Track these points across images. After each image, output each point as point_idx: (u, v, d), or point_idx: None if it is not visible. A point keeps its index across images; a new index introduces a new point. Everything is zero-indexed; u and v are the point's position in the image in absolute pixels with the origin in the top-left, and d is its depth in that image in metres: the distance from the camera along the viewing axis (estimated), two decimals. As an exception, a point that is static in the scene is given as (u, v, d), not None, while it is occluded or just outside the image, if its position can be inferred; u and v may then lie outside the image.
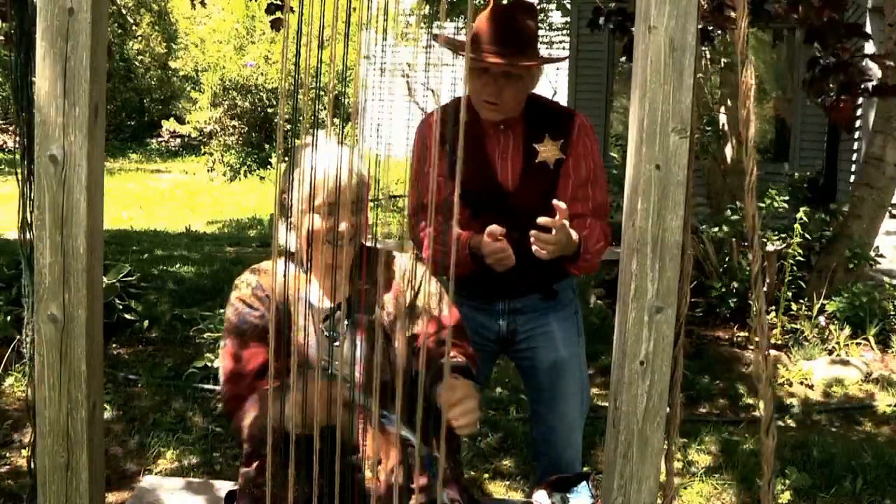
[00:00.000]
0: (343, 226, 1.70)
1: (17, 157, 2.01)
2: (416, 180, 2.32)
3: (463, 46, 2.14)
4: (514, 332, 2.35)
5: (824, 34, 3.19)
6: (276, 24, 4.39)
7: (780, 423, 4.09)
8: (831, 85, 3.36)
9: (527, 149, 2.23)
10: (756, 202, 1.35)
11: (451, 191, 1.46)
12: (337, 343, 1.73)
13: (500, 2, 2.15)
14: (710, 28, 3.54)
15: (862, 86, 3.35)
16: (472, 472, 3.30)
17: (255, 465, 1.80)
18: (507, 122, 2.23)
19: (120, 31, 17.82)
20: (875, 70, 3.92)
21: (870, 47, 6.62)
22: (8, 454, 3.24)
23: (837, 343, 5.10)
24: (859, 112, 7.29)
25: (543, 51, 2.36)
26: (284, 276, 1.72)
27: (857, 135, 7.53)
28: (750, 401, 4.34)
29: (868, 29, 7.36)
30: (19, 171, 2.00)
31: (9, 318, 4.27)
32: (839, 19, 3.18)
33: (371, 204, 1.79)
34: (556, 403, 2.36)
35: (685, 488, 3.25)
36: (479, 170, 2.22)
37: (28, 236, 2.05)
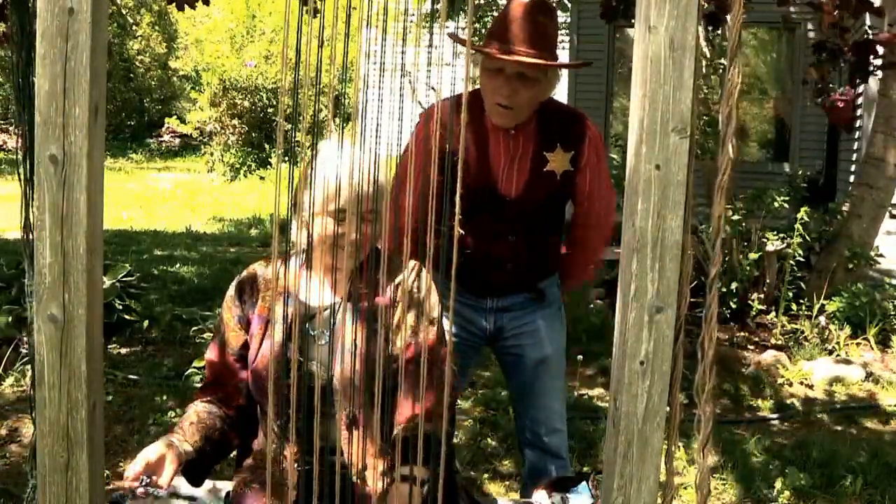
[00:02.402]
0: (352, 233, 1.68)
1: (19, 157, 2.01)
2: (404, 178, 2.29)
3: (479, 47, 2.12)
4: (502, 329, 2.36)
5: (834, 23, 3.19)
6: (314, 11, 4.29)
7: (781, 423, 4.09)
8: (840, 66, 3.35)
9: (537, 156, 2.20)
10: (724, 203, 1.32)
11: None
12: (322, 342, 1.73)
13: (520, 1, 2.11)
14: (716, 9, 3.51)
15: (872, 64, 3.35)
16: (472, 473, 3.30)
17: (247, 464, 1.81)
18: (518, 127, 2.20)
19: (120, 31, 17.82)
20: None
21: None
22: (8, 454, 3.24)
23: (837, 343, 5.10)
24: (859, 112, 7.29)
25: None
26: (284, 272, 1.73)
27: (857, 135, 7.53)
28: (750, 401, 4.34)
29: (868, 29, 7.36)
30: (21, 171, 2.00)
31: (9, 318, 4.27)
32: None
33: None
34: (540, 397, 2.38)
35: (685, 488, 3.25)
36: (480, 174, 2.19)
37: (30, 237, 2.04)
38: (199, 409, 1.76)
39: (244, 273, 1.83)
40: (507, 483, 3.24)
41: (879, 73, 4.41)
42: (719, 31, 3.90)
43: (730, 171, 1.30)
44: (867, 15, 3.97)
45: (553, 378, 2.39)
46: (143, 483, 1.57)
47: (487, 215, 2.21)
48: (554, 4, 7.11)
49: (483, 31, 7.22)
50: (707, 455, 1.32)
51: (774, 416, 4.16)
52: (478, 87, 2.23)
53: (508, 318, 2.35)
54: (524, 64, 2.05)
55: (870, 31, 3.68)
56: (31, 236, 2.05)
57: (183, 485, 1.90)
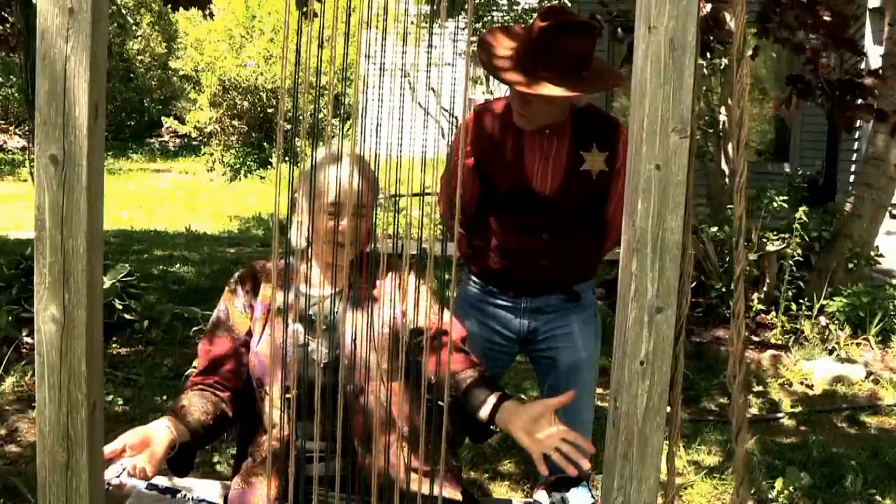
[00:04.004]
0: (344, 225, 1.75)
1: (28, 157, 2.02)
2: (449, 173, 2.32)
3: (494, 69, 2.11)
4: (536, 330, 2.35)
5: (815, 51, 3.19)
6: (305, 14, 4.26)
7: (781, 422, 4.09)
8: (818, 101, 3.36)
9: (573, 155, 2.21)
10: (745, 203, 1.34)
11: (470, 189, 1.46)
12: (324, 327, 1.76)
13: (556, 19, 2.02)
14: (711, 38, 3.54)
15: (852, 104, 3.36)
16: (473, 473, 3.30)
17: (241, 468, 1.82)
18: (552, 127, 2.21)
19: (120, 31, 17.80)
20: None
21: (873, 54, 6.63)
22: (8, 453, 3.24)
23: (837, 343, 5.10)
24: (859, 112, 7.27)
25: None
26: (285, 267, 1.76)
27: (856, 135, 7.53)
28: (750, 401, 4.34)
29: (868, 29, 7.37)
30: (33, 171, 2.00)
31: (9, 318, 4.27)
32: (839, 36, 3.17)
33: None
34: (572, 403, 2.37)
35: (685, 488, 3.25)
36: (513, 172, 2.22)
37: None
38: (191, 396, 1.77)
39: (243, 270, 1.89)
40: (507, 483, 3.24)
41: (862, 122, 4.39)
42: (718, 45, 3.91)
43: (746, 173, 1.32)
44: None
45: (585, 385, 2.37)
46: (119, 472, 1.52)
47: (521, 212, 2.22)
48: (555, 4, 7.13)
49: (484, 29, 7.21)
50: (743, 442, 1.34)
51: (774, 415, 4.16)
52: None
53: (543, 321, 2.34)
54: (537, 95, 2.02)
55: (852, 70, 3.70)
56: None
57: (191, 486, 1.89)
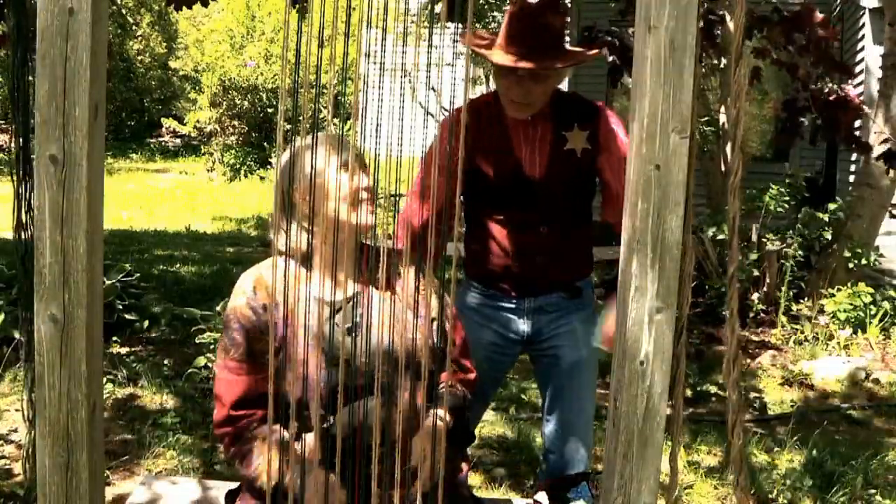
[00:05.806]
0: (365, 184, 1.72)
1: (9, 155, 2.01)
2: (420, 178, 2.32)
3: (482, 49, 2.16)
4: (539, 331, 2.35)
5: (805, 75, 3.21)
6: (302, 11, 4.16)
7: (781, 423, 4.09)
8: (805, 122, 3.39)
9: (556, 136, 2.25)
10: (739, 203, 1.35)
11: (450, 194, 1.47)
12: (355, 334, 1.72)
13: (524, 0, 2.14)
14: (701, 49, 3.54)
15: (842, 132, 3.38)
16: (474, 473, 3.30)
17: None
18: (535, 114, 2.24)
19: (120, 31, 17.80)
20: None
21: (873, 54, 6.62)
22: (7, 454, 3.24)
23: (837, 343, 5.10)
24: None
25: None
26: (285, 275, 1.71)
27: (857, 134, 7.52)
28: (751, 401, 4.34)
29: (868, 29, 7.36)
30: (14, 170, 1.99)
31: (9, 317, 4.27)
32: (825, 56, 3.18)
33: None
34: (574, 401, 2.37)
35: (686, 489, 3.25)
36: (503, 161, 2.24)
37: (23, 236, 2.04)
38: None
39: (245, 312, 1.71)
40: (507, 483, 3.24)
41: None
42: (719, 31, 3.92)
43: (742, 172, 1.32)
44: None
45: (587, 380, 2.38)
46: None
47: (518, 207, 2.23)
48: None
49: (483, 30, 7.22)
50: (738, 436, 1.34)
51: (774, 416, 4.16)
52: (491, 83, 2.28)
53: (546, 320, 2.34)
54: (531, 68, 2.09)
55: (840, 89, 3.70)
56: (23, 236, 2.05)
57: (178, 495, 1.88)
